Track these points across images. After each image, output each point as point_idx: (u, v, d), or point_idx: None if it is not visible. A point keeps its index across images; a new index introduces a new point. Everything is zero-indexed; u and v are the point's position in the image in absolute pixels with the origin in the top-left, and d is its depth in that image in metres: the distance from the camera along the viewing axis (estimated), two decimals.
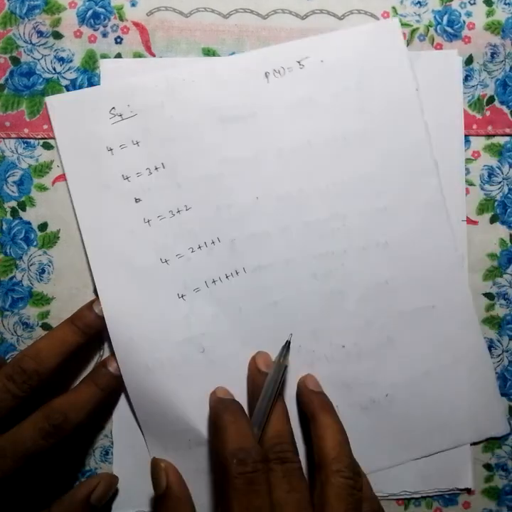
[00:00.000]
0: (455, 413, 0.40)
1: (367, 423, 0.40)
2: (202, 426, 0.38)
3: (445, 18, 0.40)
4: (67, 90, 0.39)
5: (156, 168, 0.39)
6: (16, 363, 0.36)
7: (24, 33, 0.39)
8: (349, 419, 0.38)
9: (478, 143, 0.41)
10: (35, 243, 0.39)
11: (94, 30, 0.39)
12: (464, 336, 0.40)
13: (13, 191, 0.39)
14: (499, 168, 0.41)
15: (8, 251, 0.39)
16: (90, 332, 0.38)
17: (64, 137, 0.39)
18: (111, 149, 0.38)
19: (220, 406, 0.36)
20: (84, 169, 0.39)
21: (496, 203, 0.41)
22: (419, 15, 0.40)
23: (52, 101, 0.39)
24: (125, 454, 0.39)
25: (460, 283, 0.40)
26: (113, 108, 0.38)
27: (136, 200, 0.39)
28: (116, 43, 0.39)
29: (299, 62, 0.39)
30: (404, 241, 0.40)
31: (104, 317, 0.38)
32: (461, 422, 0.40)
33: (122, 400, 0.39)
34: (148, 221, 0.39)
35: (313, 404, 0.37)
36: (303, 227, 0.39)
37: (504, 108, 0.41)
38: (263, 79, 0.39)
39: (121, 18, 0.39)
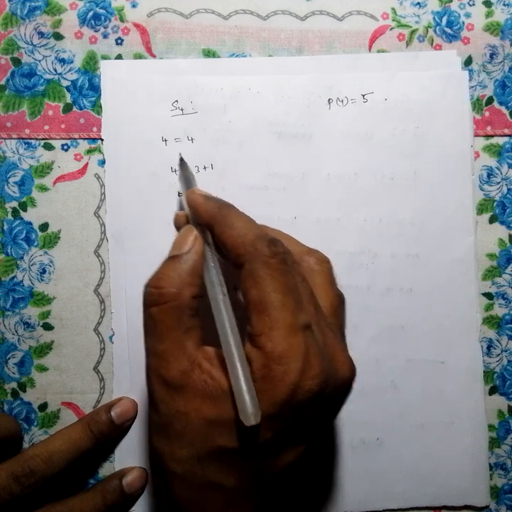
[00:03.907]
0: (440, 472, 0.40)
1: (352, 463, 0.40)
2: None
3: (444, 19, 0.41)
4: (68, 91, 0.39)
5: (205, 168, 0.39)
6: (25, 461, 0.35)
7: (25, 34, 0.39)
8: (337, 455, 0.39)
9: (478, 143, 0.41)
10: (36, 243, 0.39)
11: (95, 31, 0.39)
12: (466, 399, 0.40)
13: (14, 192, 0.39)
14: (498, 169, 0.41)
15: (9, 251, 0.39)
16: (103, 441, 0.37)
17: (112, 110, 0.39)
18: (165, 140, 0.39)
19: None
20: (132, 149, 0.39)
21: (495, 203, 0.41)
22: (418, 16, 0.40)
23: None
24: (126, 452, 0.39)
25: (473, 346, 0.40)
26: (176, 101, 0.39)
27: (180, 194, 0.39)
28: (117, 44, 0.39)
29: (363, 95, 0.40)
30: (428, 292, 0.40)
31: (119, 425, 0.38)
32: (444, 483, 0.40)
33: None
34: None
35: (211, 211, 0.32)
36: (333, 256, 0.39)
37: (503, 109, 0.41)
38: (325, 104, 0.40)
39: (121, 20, 0.39)
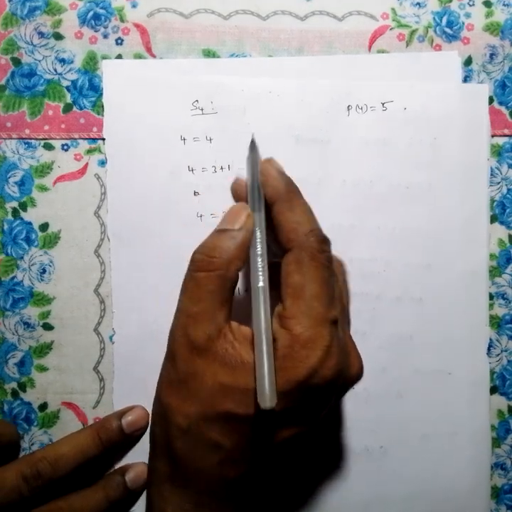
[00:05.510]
0: (441, 484, 0.40)
1: (354, 470, 0.40)
2: None
3: (444, 19, 0.41)
4: (68, 91, 0.39)
5: (222, 168, 0.39)
6: (34, 463, 0.36)
7: (25, 34, 0.39)
8: (339, 461, 0.40)
9: None
10: (36, 243, 0.40)
11: (95, 31, 0.39)
12: (471, 411, 0.40)
13: (14, 192, 0.39)
14: (498, 169, 0.41)
15: (9, 251, 0.39)
16: (109, 447, 0.37)
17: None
18: (184, 139, 0.39)
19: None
20: (139, 148, 0.39)
21: (495, 204, 0.41)
22: (418, 16, 0.40)
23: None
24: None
25: (481, 358, 0.41)
26: (196, 101, 0.39)
27: (195, 193, 0.39)
28: (117, 44, 0.39)
29: (382, 103, 0.40)
30: (438, 302, 0.40)
31: (128, 434, 0.38)
32: (445, 496, 0.40)
33: (124, 398, 0.39)
34: (201, 216, 0.39)
35: (279, 189, 0.33)
36: (345, 262, 0.39)
37: (503, 109, 0.41)
38: (344, 111, 0.40)
39: (121, 20, 0.39)
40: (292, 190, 0.33)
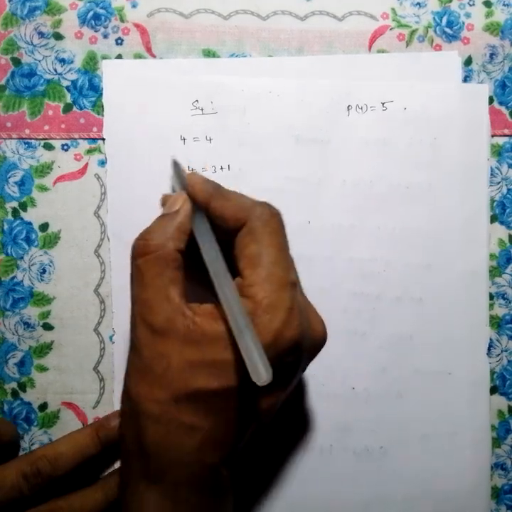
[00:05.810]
0: (441, 484, 0.40)
1: (355, 470, 0.40)
2: None
3: (444, 19, 0.41)
4: (68, 91, 0.39)
5: (221, 168, 0.39)
6: (33, 461, 0.36)
7: (25, 34, 0.39)
8: (340, 462, 0.40)
9: None
10: (36, 243, 0.39)
11: (95, 31, 0.39)
12: (471, 410, 0.40)
13: (14, 192, 0.39)
14: (498, 169, 0.41)
15: (9, 251, 0.39)
16: (108, 446, 0.37)
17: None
18: (184, 139, 0.39)
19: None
20: (140, 148, 0.39)
21: (495, 204, 0.41)
22: (418, 16, 0.40)
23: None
24: None
25: (481, 358, 0.41)
26: (196, 101, 0.39)
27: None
28: (117, 44, 0.39)
29: (382, 103, 0.40)
30: (438, 302, 0.40)
31: None
32: (445, 496, 0.40)
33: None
34: None
35: (209, 190, 0.34)
36: (345, 262, 0.39)
37: (503, 109, 0.41)
38: (344, 110, 0.40)
39: (121, 20, 0.39)
40: (221, 189, 0.34)
